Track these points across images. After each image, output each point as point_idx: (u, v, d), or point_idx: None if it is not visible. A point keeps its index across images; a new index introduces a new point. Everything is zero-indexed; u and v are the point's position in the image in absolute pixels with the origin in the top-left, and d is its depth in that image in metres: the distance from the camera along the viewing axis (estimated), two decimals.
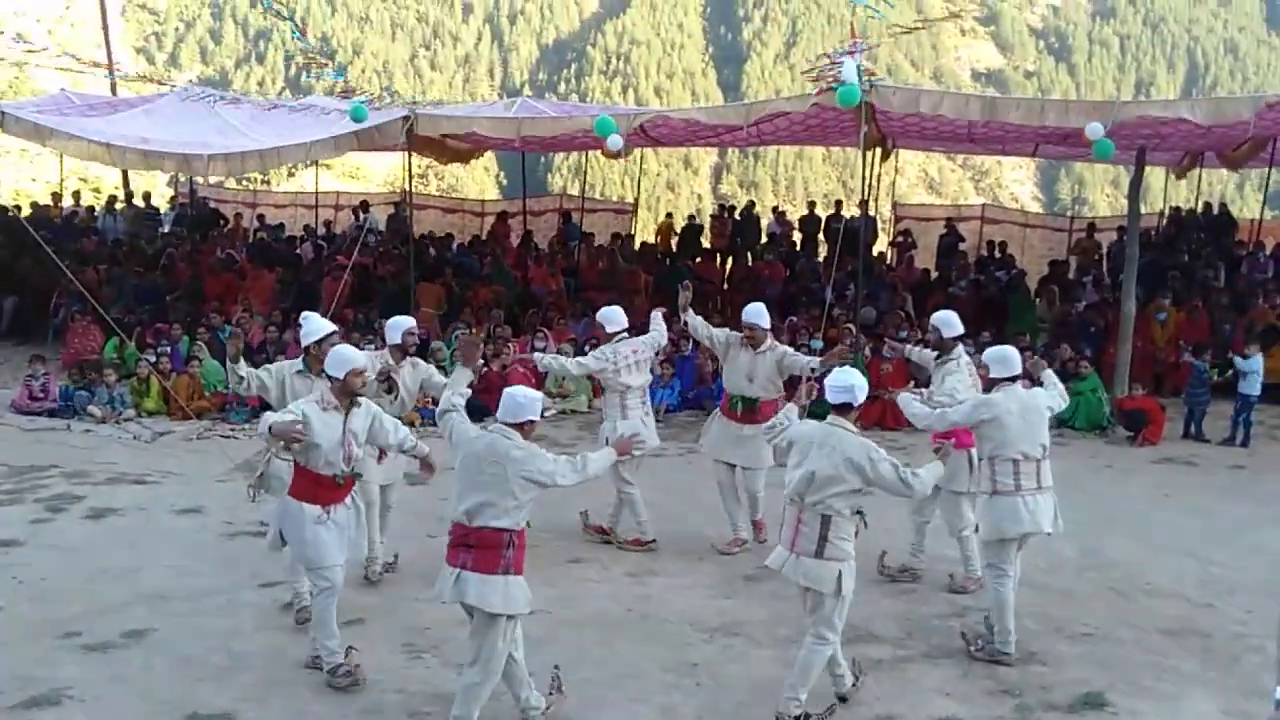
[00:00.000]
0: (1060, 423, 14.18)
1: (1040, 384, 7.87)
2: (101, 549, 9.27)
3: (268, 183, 39.14)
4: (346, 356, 6.76)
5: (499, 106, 22.12)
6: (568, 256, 22.26)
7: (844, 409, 6.61)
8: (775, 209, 26.25)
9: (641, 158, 24.81)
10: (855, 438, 6.51)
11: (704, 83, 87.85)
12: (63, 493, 10.87)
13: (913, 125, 16.02)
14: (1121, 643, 7.70)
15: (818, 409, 6.99)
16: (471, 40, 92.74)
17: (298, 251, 22.56)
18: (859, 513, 6.50)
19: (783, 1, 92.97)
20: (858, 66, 13.15)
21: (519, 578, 6.13)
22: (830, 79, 13.38)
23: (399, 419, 7.36)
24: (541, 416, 6.54)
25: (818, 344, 14.09)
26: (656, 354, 10.98)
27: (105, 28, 27.22)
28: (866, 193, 17.21)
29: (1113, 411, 14.70)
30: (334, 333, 7.65)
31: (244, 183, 31.28)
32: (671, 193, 74.47)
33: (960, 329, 8.86)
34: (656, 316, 9.92)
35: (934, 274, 20.98)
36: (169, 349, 15.98)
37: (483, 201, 30.76)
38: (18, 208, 21.46)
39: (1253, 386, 14.24)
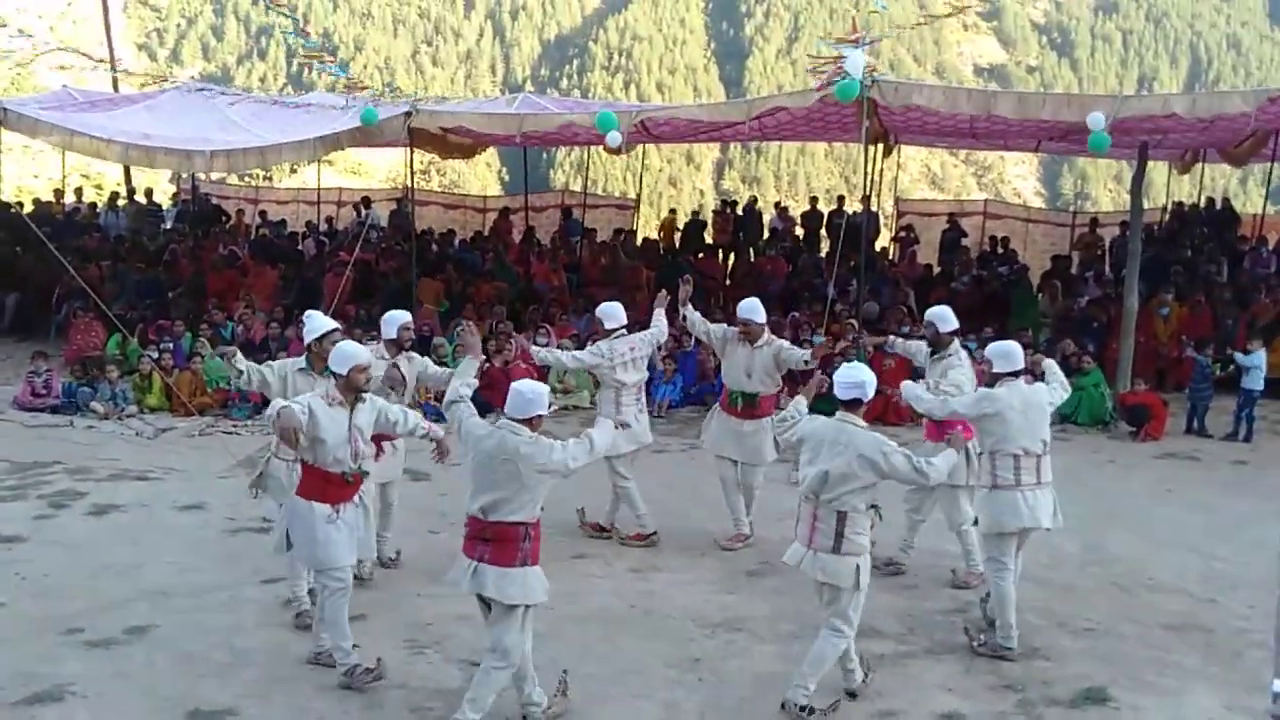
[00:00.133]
0: (1063, 418, 14.19)
1: (1042, 377, 7.87)
2: (104, 545, 9.27)
3: (270, 179, 39.20)
4: (350, 352, 6.76)
5: (501, 102, 22.07)
6: (570, 252, 22.26)
7: (854, 405, 6.64)
8: (778, 204, 26.24)
9: (644, 153, 24.82)
10: (866, 433, 6.53)
11: (706, 78, 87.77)
12: (65, 489, 10.86)
13: (915, 120, 16.00)
14: (1124, 638, 7.70)
15: (822, 405, 6.98)
16: (473, 36, 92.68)
17: (300, 248, 22.58)
18: (874, 506, 6.56)
19: None
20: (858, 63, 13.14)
21: (536, 568, 6.18)
22: (834, 74, 13.36)
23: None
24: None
25: (820, 339, 14.08)
26: (659, 349, 10.97)
27: (107, 24, 27.21)
28: (869, 188, 17.20)
29: (1115, 407, 14.68)
30: (335, 330, 7.63)
31: (246, 179, 31.27)
32: (674, 188, 74.38)
33: (955, 324, 8.87)
34: (659, 314, 9.91)
35: (936, 269, 20.98)
36: (171, 345, 15.98)
37: (485, 197, 30.78)
38: (20, 204, 21.49)
39: (1255, 382, 14.23)
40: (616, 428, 7.20)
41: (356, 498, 6.78)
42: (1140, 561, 9.35)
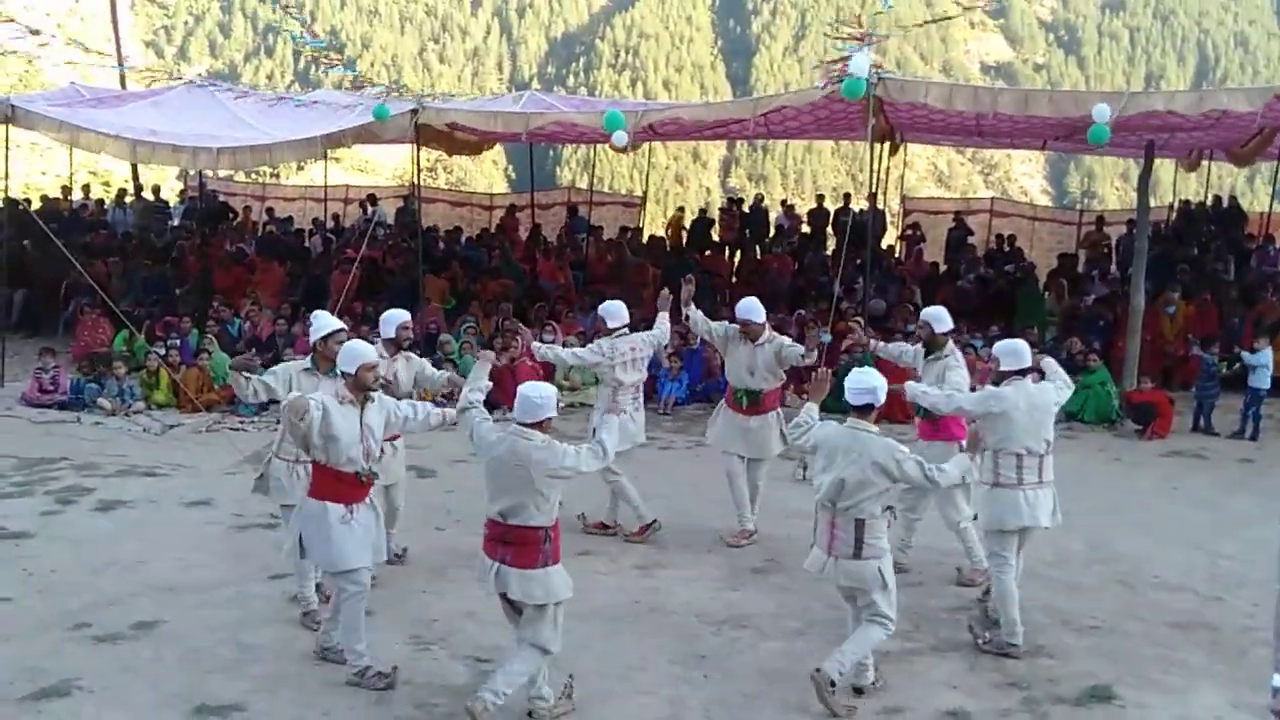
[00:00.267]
0: (1069, 416, 14.19)
1: (1042, 375, 7.87)
2: (111, 541, 9.29)
3: (277, 176, 39.21)
4: (358, 351, 6.75)
5: (507, 100, 22.09)
6: (576, 250, 22.27)
7: (865, 410, 6.65)
8: (784, 202, 26.20)
9: (650, 151, 24.82)
10: (879, 440, 6.56)
11: (713, 76, 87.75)
12: (72, 485, 10.89)
13: (920, 118, 15.99)
14: (1129, 636, 7.70)
15: (830, 403, 6.99)
16: (480, 34, 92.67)
17: (306, 245, 22.62)
18: (889, 508, 6.61)
19: None
20: (866, 57, 13.14)
21: (557, 566, 6.22)
22: (841, 72, 13.36)
23: None
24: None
25: (826, 337, 14.07)
26: (665, 346, 10.95)
27: (115, 21, 27.19)
28: (875, 186, 17.17)
29: (1121, 405, 14.67)
30: (341, 330, 7.60)
31: (253, 176, 31.28)
32: (680, 186, 74.39)
33: (950, 324, 8.88)
34: (662, 316, 9.93)
35: (943, 267, 20.97)
36: (178, 342, 16.00)
37: (491, 195, 30.79)
38: (27, 201, 21.52)
39: (1262, 380, 14.22)
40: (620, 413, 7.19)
41: (368, 499, 6.77)
42: (1146, 559, 9.35)
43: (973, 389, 8.40)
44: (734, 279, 21.22)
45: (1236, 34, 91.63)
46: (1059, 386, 7.74)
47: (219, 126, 17.02)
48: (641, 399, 9.93)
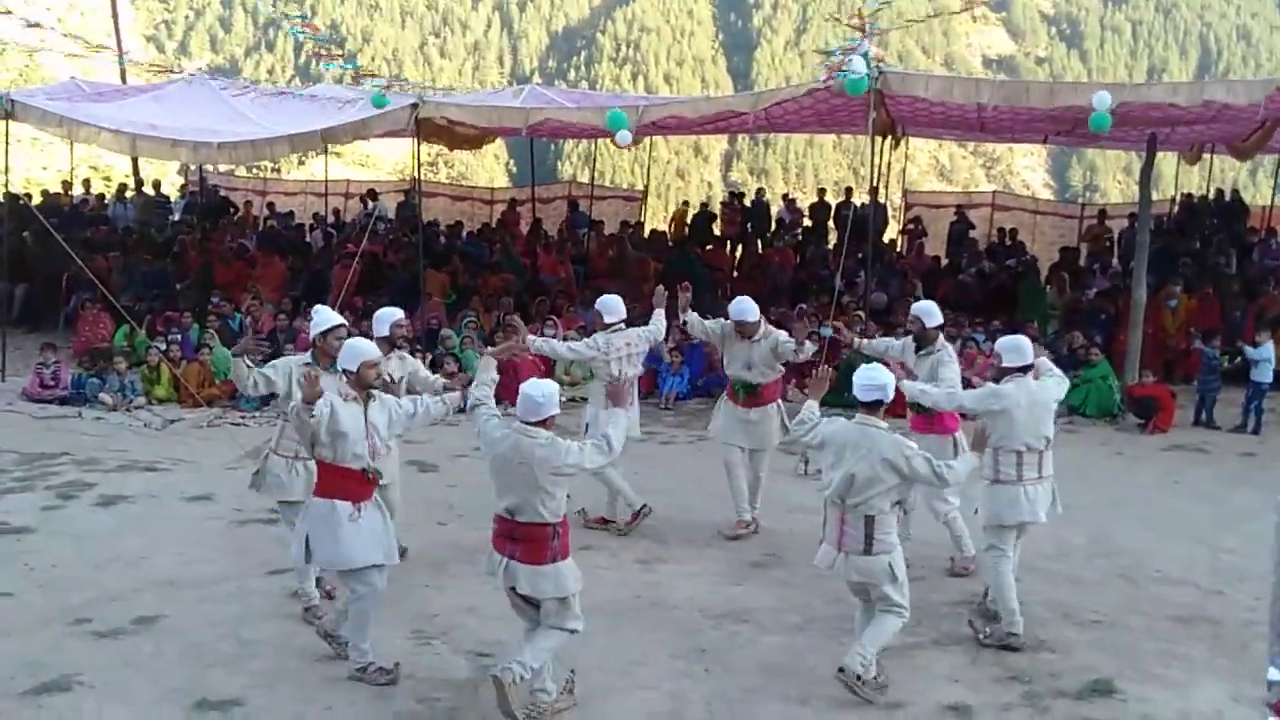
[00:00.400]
0: (1070, 410, 14.19)
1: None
2: (111, 536, 9.29)
3: (278, 170, 39.16)
4: (359, 349, 6.73)
5: (508, 94, 22.07)
6: (577, 244, 22.25)
7: (874, 406, 6.64)
8: (785, 196, 26.23)
9: (651, 145, 24.78)
10: (888, 436, 6.56)
11: (714, 70, 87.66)
12: (73, 480, 10.91)
13: (922, 112, 15.97)
14: (1131, 630, 7.69)
15: (831, 399, 6.98)
16: (481, 27, 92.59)
17: (307, 240, 22.61)
18: (898, 503, 6.63)
19: None
20: (865, 55, 13.13)
21: (567, 561, 6.21)
22: (840, 66, 13.36)
23: None
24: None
25: (827, 331, 14.06)
26: (664, 341, 10.93)
27: (115, 15, 27.18)
28: (876, 180, 17.16)
29: (1123, 399, 14.66)
30: (340, 325, 7.56)
31: (254, 170, 31.31)
32: (681, 180, 74.39)
33: (940, 319, 8.87)
34: (658, 313, 9.93)
35: (944, 261, 20.95)
36: (179, 337, 16.01)
37: (492, 189, 30.73)
38: (28, 196, 21.52)
39: (1264, 374, 14.20)
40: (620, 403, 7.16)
41: (375, 499, 6.73)
42: (1147, 553, 9.34)
43: (966, 383, 8.39)
44: (735, 273, 21.22)
45: (1239, 27, 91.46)
46: (1058, 381, 7.73)
47: (219, 121, 17.02)
48: (637, 394, 9.94)
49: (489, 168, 67.05)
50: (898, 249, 22.07)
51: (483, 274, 19.84)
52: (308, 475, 7.36)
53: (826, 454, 6.71)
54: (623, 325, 9.64)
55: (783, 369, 9.76)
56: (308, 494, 7.27)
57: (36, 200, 22.26)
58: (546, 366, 13.95)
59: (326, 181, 26.52)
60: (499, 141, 26.59)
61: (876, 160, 16.42)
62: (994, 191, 28.97)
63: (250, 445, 11.55)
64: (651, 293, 10.56)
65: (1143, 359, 15.14)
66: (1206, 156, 20.17)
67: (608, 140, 17.53)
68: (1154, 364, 15.34)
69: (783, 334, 9.69)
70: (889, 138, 17.70)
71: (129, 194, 24.17)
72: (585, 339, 9.93)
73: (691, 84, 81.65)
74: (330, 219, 24.21)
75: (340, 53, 17.90)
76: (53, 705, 6.30)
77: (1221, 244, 19.98)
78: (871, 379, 6.64)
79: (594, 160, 29.34)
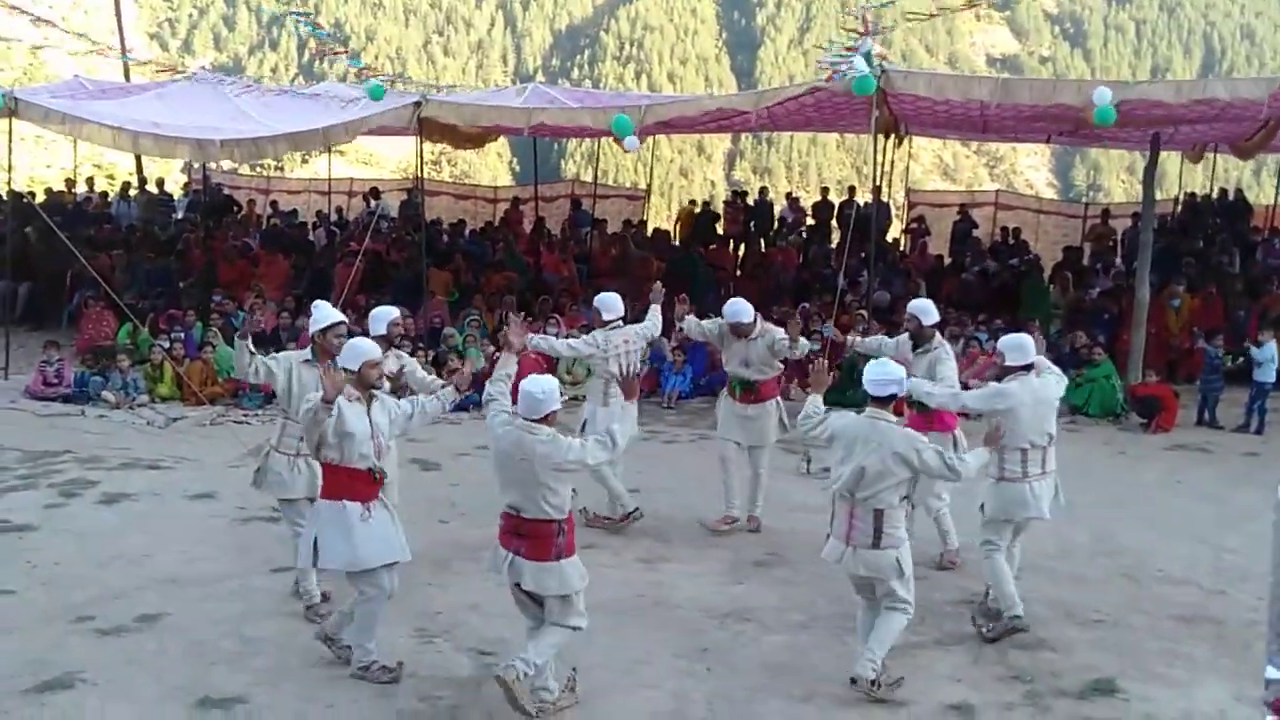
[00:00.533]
0: (1073, 409, 14.20)
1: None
2: (114, 534, 9.30)
3: (281, 169, 39.14)
4: (361, 349, 6.70)
5: (510, 93, 22.07)
6: (580, 243, 22.25)
7: (885, 401, 6.65)
8: (789, 195, 26.18)
9: (654, 144, 24.77)
10: (898, 430, 6.58)
11: (717, 69, 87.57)
12: (76, 478, 10.91)
13: (925, 111, 15.96)
14: (1133, 629, 7.69)
15: (833, 395, 6.98)
16: (484, 26, 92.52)
17: (310, 238, 22.62)
18: (906, 497, 6.63)
19: None
20: (867, 55, 13.15)
21: (572, 558, 6.21)
22: (842, 67, 13.37)
23: None
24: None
25: (829, 330, 14.07)
26: (666, 339, 10.93)
27: (119, 13, 27.20)
28: (880, 179, 17.16)
29: (1126, 398, 14.65)
30: (340, 322, 7.55)
31: (257, 169, 31.30)
32: (684, 179, 74.36)
33: (937, 317, 8.88)
34: (654, 310, 9.95)
35: (947, 260, 20.94)
36: (182, 335, 16.02)
37: (495, 188, 30.75)
38: (32, 194, 21.53)
39: (1267, 374, 14.20)
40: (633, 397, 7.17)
41: (382, 499, 6.72)
42: (1150, 553, 9.34)
43: (963, 385, 8.40)
44: (738, 272, 21.22)
45: (1243, 26, 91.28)
46: (1058, 378, 7.74)
47: (222, 119, 17.01)
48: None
49: (492, 166, 67.05)
50: (901, 248, 22.07)
51: (485, 272, 19.84)
52: (309, 473, 7.38)
53: (836, 448, 6.70)
54: (621, 322, 9.67)
55: (781, 366, 9.80)
56: (309, 492, 7.29)
57: (40, 198, 22.30)
58: (548, 365, 13.95)
59: (330, 180, 26.53)
60: (502, 140, 26.57)
61: (879, 159, 16.42)
62: (997, 190, 28.99)
63: (252, 443, 11.56)
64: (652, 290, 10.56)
65: (1146, 358, 15.13)
66: (1210, 156, 20.17)
67: (609, 140, 17.53)
68: (1157, 363, 15.34)
69: (779, 331, 9.72)
70: (892, 136, 17.70)
71: (132, 192, 24.19)
72: (584, 336, 9.94)
73: (695, 83, 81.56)
74: (333, 217, 24.23)
75: (344, 50, 17.89)
76: (55, 703, 6.30)
77: (1225, 243, 19.96)
78: (885, 374, 6.65)
79: (597, 159, 29.34)
